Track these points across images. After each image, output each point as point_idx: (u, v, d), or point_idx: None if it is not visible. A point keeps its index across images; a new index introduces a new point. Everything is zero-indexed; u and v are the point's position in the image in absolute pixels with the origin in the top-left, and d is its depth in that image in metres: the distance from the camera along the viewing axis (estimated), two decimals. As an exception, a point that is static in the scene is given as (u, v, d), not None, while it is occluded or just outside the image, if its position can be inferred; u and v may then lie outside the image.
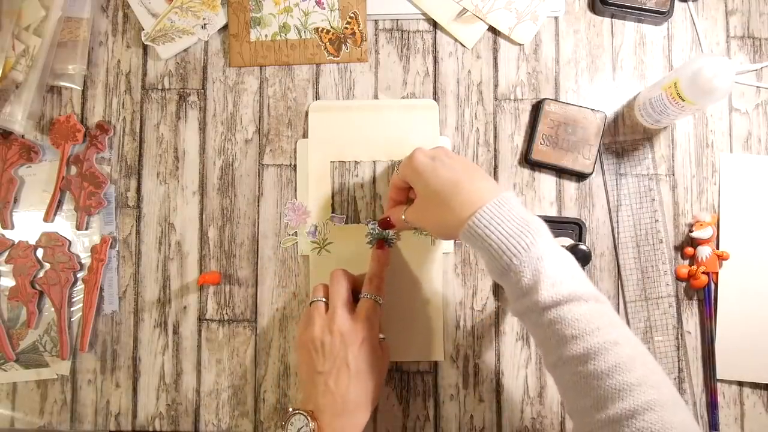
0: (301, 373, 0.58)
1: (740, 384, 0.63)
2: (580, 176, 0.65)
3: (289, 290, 0.64)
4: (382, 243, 0.62)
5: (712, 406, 0.62)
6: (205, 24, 0.66)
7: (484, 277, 0.64)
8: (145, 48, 0.67)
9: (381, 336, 0.58)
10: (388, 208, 0.62)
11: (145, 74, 0.67)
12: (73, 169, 0.65)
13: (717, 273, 0.63)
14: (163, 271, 0.65)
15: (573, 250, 0.54)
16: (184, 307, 0.65)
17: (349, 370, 0.54)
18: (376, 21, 0.67)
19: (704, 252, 0.63)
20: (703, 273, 0.62)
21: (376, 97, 0.66)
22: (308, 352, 0.56)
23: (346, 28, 0.66)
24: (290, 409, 0.54)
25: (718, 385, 0.63)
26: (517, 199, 0.50)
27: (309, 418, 0.52)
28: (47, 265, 0.64)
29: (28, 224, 0.65)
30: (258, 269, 0.65)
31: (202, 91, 0.66)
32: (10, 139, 0.65)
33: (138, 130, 0.66)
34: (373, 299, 0.57)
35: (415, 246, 0.64)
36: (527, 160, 0.65)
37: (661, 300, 0.64)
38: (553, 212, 0.65)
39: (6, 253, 0.65)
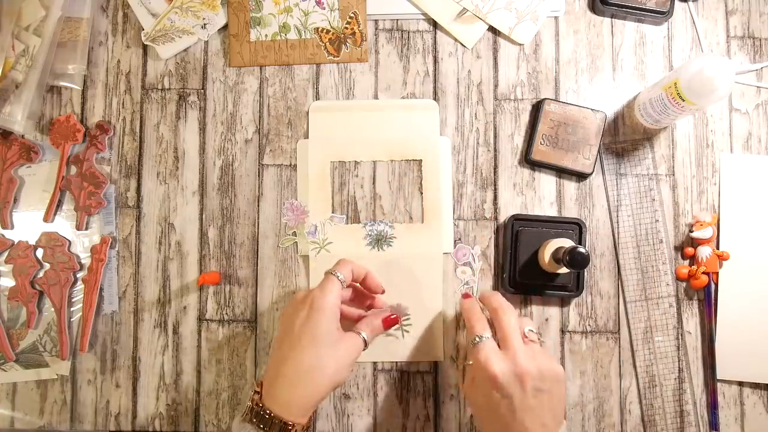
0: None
1: (740, 384, 0.63)
2: (580, 176, 0.65)
3: (289, 290, 0.64)
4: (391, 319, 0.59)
5: (712, 406, 0.62)
6: (205, 24, 0.66)
7: (484, 277, 0.64)
8: (145, 48, 0.67)
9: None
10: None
11: (145, 74, 0.67)
12: (73, 169, 0.65)
13: (717, 273, 0.63)
14: (163, 271, 0.65)
15: (571, 253, 0.54)
16: (184, 307, 0.65)
17: (301, 341, 0.52)
18: (376, 21, 0.67)
19: (704, 252, 0.63)
20: (704, 273, 0.62)
21: (376, 97, 0.66)
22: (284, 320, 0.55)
23: (346, 28, 0.66)
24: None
25: (718, 385, 0.63)
26: None
27: (257, 387, 0.52)
28: (47, 265, 0.64)
29: (28, 224, 0.65)
30: (258, 269, 0.65)
31: (202, 91, 0.66)
32: (10, 139, 0.65)
33: (138, 130, 0.66)
34: (360, 335, 0.55)
35: (415, 246, 0.64)
36: (527, 160, 0.65)
37: (661, 300, 0.64)
38: (553, 212, 0.65)
39: (6, 253, 0.65)
